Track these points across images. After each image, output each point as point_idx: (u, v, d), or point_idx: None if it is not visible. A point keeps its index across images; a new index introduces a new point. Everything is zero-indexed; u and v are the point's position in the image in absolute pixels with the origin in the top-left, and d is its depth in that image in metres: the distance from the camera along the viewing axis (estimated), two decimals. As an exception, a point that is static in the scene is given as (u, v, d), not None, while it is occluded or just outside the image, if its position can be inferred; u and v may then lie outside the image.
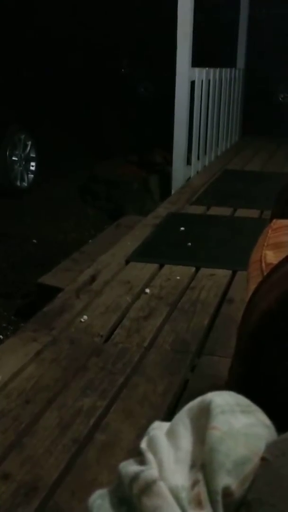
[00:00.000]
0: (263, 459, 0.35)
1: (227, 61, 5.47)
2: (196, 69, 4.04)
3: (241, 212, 3.25)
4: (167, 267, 2.38)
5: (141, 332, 1.83)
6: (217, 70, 4.68)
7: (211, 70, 4.48)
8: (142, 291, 2.15)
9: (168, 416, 1.40)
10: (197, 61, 3.94)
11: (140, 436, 1.30)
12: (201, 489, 0.33)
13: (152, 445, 0.37)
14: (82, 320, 1.91)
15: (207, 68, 4.34)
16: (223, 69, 4.92)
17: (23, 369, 1.61)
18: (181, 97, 3.83)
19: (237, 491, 0.33)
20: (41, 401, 1.45)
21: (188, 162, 4.16)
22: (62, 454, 1.26)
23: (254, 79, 6.00)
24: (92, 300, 2.08)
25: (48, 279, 2.47)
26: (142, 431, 1.31)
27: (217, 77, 4.67)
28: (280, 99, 6.64)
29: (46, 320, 1.92)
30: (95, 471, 1.21)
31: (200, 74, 4.17)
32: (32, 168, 4.86)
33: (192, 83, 3.99)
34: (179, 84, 3.80)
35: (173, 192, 3.93)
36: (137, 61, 7.16)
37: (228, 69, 5.16)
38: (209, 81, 4.42)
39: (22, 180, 4.76)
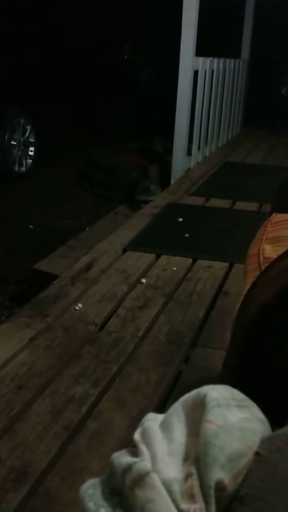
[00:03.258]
0: (257, 454, 0.35)
1: (232, 51, 5.42)
2: (200, 59, 4.00)
3: (240, 205, 3.24)
4: (164, 258, 2.37)
5: (136, 321, 1.83)
6: (221, 60, 4.64)
7: (215, 60, 4.45)
8: (138, 280, 2.15)
9: (161, 406, 1.40)
10: (201, 50, 3.90)
11: (131, 426, 1.30)
12: (194, 482, 0.33)
13: (145, 436, 0.36)
14: (77, 308, 1.91)
15: (211, 58, 4.31)
16: (227, 59, 4.88)
17: (16, 355, 1.60)
18: (183, 87, 3.80)
19: (230, 485, 0.33)
20: (33, 387, 1.45)
21: (189, 152, 4.14)
22: (53, 440, 1.26)
23: (258, 71, 5.96)
24: (87, 288, 2.07)
25: (44, 265, 2.46)
26: (134, 420, 1.32)
27: (220, 67, 4.63)
28: (283, 91, 6.60)
29: (41, 306, 1.91)
30: (85, 458, 1.21)
31: (204, 63, 4.13)
32: (31, 153, 4.83)
33: (196, 72, 3.95)
34: (182, 73, 3.77)
35: (172, 182, 3.91)
36: (140, 48, 7.09)
37: (232, 60, 5.12)
38: (212, 71, 4.39)
39: (20, 165, 4.73)
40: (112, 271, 2.23)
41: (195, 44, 3.73)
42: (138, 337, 1.73)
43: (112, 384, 1.49)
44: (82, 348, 1.65)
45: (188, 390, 0.42)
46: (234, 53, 5.50)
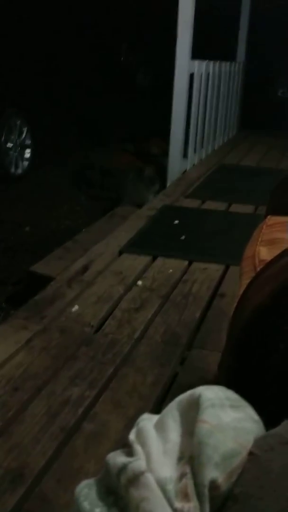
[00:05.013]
0: (251, 453, 0.35)
1: (227, 54, 5.44)
2: (196, 62, 4.01)
3: (236, 207, 3.25)
4: (160, 260, 2.38)
5: (132, 323, 1.83)
6: (217, 63, 4.66)
7: (211, 63, 4.46)
8: (135, 282, 2.15)
9: (157, 407, 1.41)
10: (197, 53, 3.91)
11: (128, 427, 1.30)
12: (188, 481, 0.33)
13: (140, 436, 0.37)
14: (73, 309, 1.91)
15: (207, 61, 4.32)
16: (223, 62, 4.90)
17: (12, 357, 1.60)
18: (179, 89, 3.81)
19: (224, 484, 0.33)
20: (29, 389, 1.45)
21: (185, 154, 4.14)
22: (49, 442, 1.26)
23: (254, 73, 5.98)
24: (84, 290, 2.07)
25: (40, 267, 2.46)
26: (130, 421, 1.32)
27: (216, 70, 4.65)
28: (279, 94, 6.63)
29: (37, 308, 1.91)
30: (82, 460, 1.21)
31: (200, 66, 4.15)
32: (27, 155, 4.82)
33: (192, 75, 3.96)
34: (178, 76, 3.78)
35: (168, 184, 3.92)
36: (136, 50, 7.10)
37: (228, 63, 5.13)
38: (208, 74, 4.40)
39: (17, 166, 4.72)
40: (108, 273, 2.23)
41: (191, 47, 3.75)
42: (134, 338, 1.74)
43: (108, 385, 1.49)
44: (78, 349, 1.65)
45: (184, 391, 0.42)
46: (230, 56, 5.52)
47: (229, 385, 0.43)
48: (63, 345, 1.68)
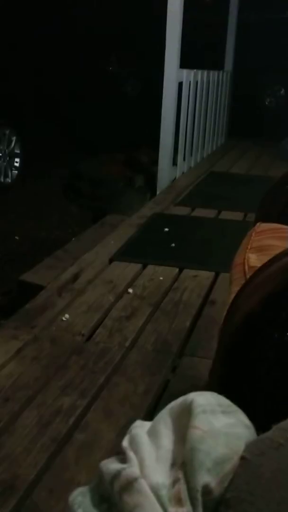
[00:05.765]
0: (242, 458, 0.35)
1: (215, 63, 5.50)
2: (184, 71, 4.05)
3: (226, 214, 3.27)
4: (150, 267, 2.38)
5: (123, 331, 1.83)
6: (205, 72, 4.71)
7: (199, 72, 4.51)
8: (125, 290, 2.15)
9: (148, 416, 1.40)
10: (185, 62, 3.95)
11: (119, 436, 1.30)
12: (181, 487, 0.34)
13: (133, 443, 0.37)
14: (64, 318, 1.91)
15: (195, 70, 4.36)
16: (211, 71, 4.95)
17: (3, 367, 1.59)
18: (168, 98, 3.85)
19: (216, 489, 0.34)
20: (20, 399, 1.44)
21: (174, 163, 4.17)
22: (40, 453, 1.25)
23: (242, 82, 6.05)
24: (74, 299, 2.07)
25: (30, 276, 2.45)
26: (121, 430, 1.31)
27: (204, 79, 4.69)
28: (267, 103, 6.70)
29: (28, 317, 1.91)
30: (73, 470, 1.21)
31: (188, 75, 4.19)
32: (16, 164, 4.82)
33: (180, 84, 4.00)
34: (167, 85, 3.81)
35: (158, 192, 3.93)
36: (125, 59, 7.15)
37: (216, 72, 5.19)
38: (196, 82, 4.44)
39: (6, 176, 4.72)
40: (98, 282, 2.23)
41: (179, 57, 3.78)
42: (125, 347, 1.73)
43: (100, 394, 1.48)
44: (69, 359, 1.65)
45: (176, 399, 0.42)
46: (218, 65, 5.58)
47: (220, 392, 0.43)
48: (54, 354, 1.67)
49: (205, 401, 0.39)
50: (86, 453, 1.26)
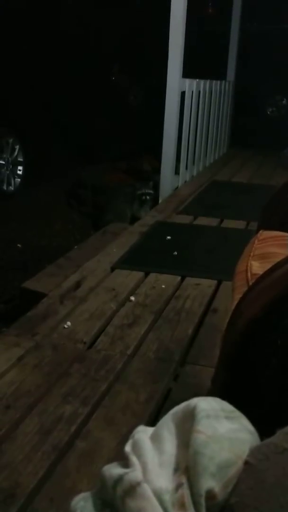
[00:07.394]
0: (246, 463, 0.35)
1: (218, 73, 5.54)
2: (187, 80, 4.08)
3: (228, 223, 3.27)
4: (152, 275, 2.38)
5: (125, 339, 1.83)
6: (207, 81, 4.74)
7: (202, 81, 4.54)
8: (127, 298, 2.15)
9: (150, 424, 1.38)
10: (187, 72, 3.98)
11: (121, 444, 1.29)
12: (185, 491, 0.33)
13: (136, 448, 0.37)
14: (66, 326, 1.90)
15: (197, 80, 4.39)
16: (213, 81, 4.98)
17: (4, 374, 1.59)
18: (171, 107, 3.87)
19: (220, 494, 0.34)
20: (21, 407, 1.44)
21: (176, 171, 4.18)
22: (41, 461, 1.24)
23: (244, 92, 6.09)
24: (76, 307, 2.07)
25: (32, 284, 2.45)
26: (123, 439, 1.31)
27: (207, 88, 4.72)
28: (268, 113, 6.74)
29: (29, 325, 1.90)
30: (74, 478, 1.20)
31: (191, 85, 4.21)
32: (19, 172, 4.84)
33: (183, 93, 4.02)
34: (170, 94, 3.84)
35: (160, 200, 3.94)
36: (128, 68, 7.20)
37: (218, 81, 5.22)
38: (199, 92, 4.47)
39: (9, 184, 4.74)
40: (100, 289, 2.23)
41: (182, 66, 3.81)
42: (127, 355, 1.73)
43: (101, 402, 1.48)
44: (71, 366, 1.64)
45: (178, 406, 0.42)
46: (220, 75, 5.62)
47: (223, 398, 0.43)
48: (55, 362, 1.67)
49: (208, 406, 0.38)
50: (88, 462, 1.25)
